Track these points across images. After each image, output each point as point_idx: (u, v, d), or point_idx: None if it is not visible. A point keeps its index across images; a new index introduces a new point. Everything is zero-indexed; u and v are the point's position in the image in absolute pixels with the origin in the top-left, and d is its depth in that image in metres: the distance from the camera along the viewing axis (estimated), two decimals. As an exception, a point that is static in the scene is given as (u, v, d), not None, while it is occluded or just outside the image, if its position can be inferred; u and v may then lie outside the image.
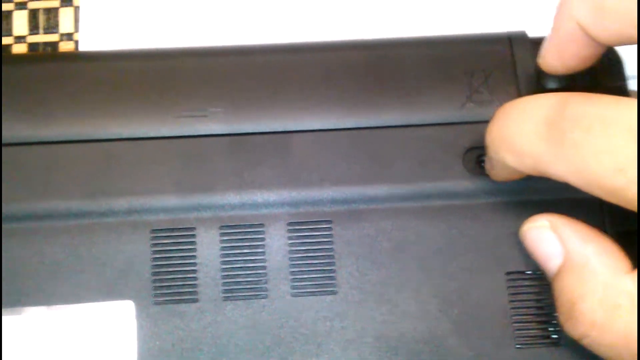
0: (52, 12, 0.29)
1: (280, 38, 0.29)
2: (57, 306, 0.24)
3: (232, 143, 0.25)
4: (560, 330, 0.23)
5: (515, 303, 0.24)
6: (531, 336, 0.23)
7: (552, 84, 0.25)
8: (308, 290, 0.24)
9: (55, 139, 0.25)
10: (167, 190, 0.24)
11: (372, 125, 0.25)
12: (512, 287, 0.24)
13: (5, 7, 0.29)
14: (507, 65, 0.26)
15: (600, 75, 0.25)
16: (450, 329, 0.23)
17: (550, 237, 0.22)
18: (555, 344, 0.23)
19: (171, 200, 0.24)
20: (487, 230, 0.24)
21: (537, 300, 0.24)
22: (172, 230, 0.24)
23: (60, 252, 0.24)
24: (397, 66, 0.26)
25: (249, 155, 0.25)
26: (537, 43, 0.26)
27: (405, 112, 0.25)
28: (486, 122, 0.22)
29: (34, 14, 0.29)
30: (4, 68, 0.25)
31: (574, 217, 0.22)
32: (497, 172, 0.23)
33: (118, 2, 0.29)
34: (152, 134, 0.25)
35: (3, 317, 0.23)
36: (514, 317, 0.24)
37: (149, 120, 0.25)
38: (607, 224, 0.24)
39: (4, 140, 0.25)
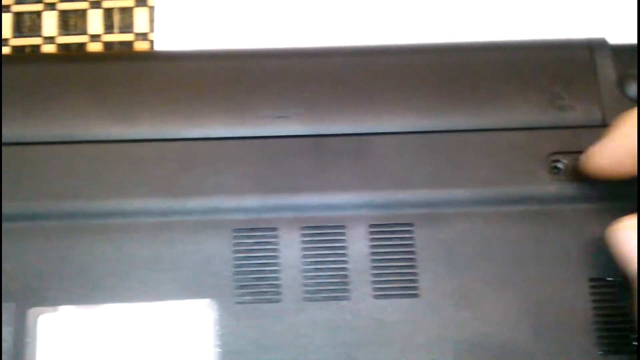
0: (126, 12, 0.29)
1: (361, 40, 0.29)
2: (138, 303, 0.24)
3: (313, 144, 0.25)
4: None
5: (599, 310, 0.24)
6: (615, 344, 0.23)
7: (633, 92, 0.25)
8: (390, 292, 0.24)
9: (138, 138, 0.25)
10: (249, 190, 0.24)
11: (453, 129, 0.25)
12: (595, 293, 0.24)
13: (80, 5, 0.29)
14: (588, 71, 0.26)
15: None
16: (532, 334, 0.23)
17: (633, 239, 0.22)
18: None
19: (253, 201, 0.24)
20: (569, 236, 0.24)
21: (621, 308, 0.24)
22: (254, 230, 0.24)
23: (142, 250, 0.24)
24: (478, 70, 0.26)
25: (330, 156, 0.25)
26: (617, 50, 0.26)
27: (487, 116, 0.25)
28: (567, 127, 0.22)
29: (108, 13, 0.29)
30: (84, 66, 0.26)
31: None
32: (600, 162, 0.23)
33: (192, 2, 0.29)
34: (234, 134, 0.25)
35: (84, 312, 0.23)
36: (597, 324, 0.23)
37: (233, 121, 0.25)
38: None
39: (89, 138, 0.25)
